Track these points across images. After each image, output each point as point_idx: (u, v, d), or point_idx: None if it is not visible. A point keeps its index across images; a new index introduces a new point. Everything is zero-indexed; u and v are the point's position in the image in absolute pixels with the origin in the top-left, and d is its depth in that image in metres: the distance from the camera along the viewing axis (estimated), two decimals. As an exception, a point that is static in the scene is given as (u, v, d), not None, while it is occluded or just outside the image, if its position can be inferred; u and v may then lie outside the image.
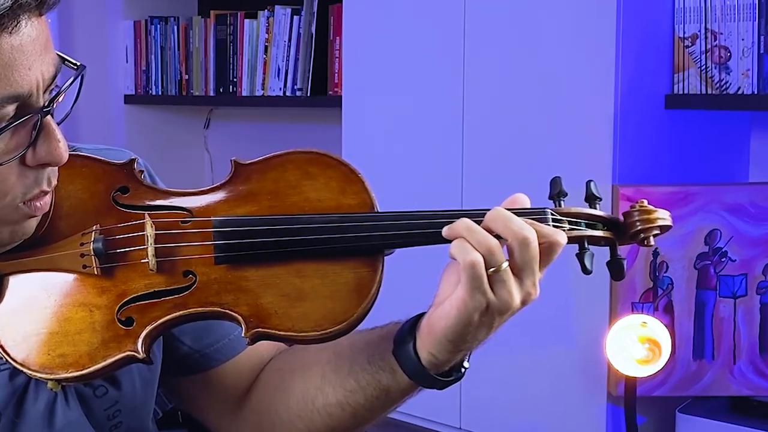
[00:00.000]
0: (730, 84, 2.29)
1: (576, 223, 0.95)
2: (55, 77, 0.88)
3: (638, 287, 2.20)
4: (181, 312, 0.93)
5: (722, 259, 2.19)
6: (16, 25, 0.82)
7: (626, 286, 2.20)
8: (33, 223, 0.94)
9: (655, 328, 2.11)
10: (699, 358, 2.22)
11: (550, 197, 0.97)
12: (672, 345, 2.12)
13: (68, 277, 0.94)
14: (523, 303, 0.91)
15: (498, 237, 0.89)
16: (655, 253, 2.19)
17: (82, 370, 0.91)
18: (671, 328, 2.18)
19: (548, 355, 2.36)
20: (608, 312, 2.24)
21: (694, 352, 2.22)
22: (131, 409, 1.07)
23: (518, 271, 0.89)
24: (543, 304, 2.43)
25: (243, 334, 0.91)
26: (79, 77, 0.91)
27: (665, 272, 2.20)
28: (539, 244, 0.90)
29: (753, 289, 2.19)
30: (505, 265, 0.88)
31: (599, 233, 0.97)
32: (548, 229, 0.91)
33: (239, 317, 0.92)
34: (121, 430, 1.07)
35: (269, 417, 1.08)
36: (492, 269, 0.88)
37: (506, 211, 0.90)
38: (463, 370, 0.97)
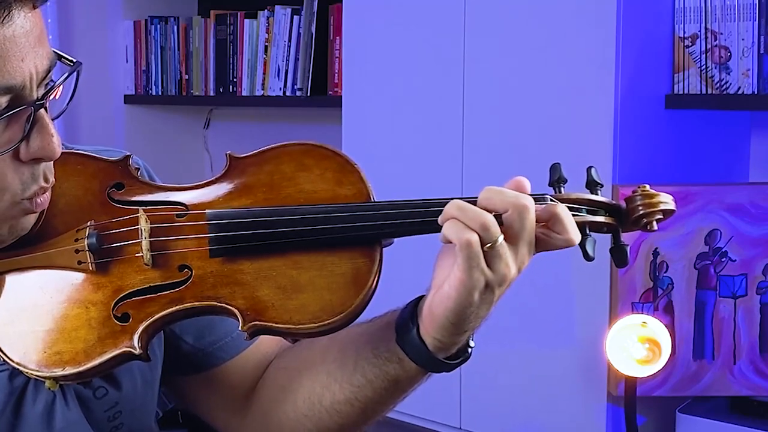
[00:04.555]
0: (730, 84, 2.28)
1: (577, 209, 0.94)
2: (49, 71, 0.88)
3: (638, 287, 2.20)
4: (177, 307, 0.92)
5: (722, 259, 2.19)
6: (8, 16, 0.82)
7: (626, 286, 2.19)
8: (32, 218, 0.94)
9: (655, 328, 2.11)
10: (699, 358, 2.21)
11: (550, 184, 0.96)
12: (672, 345, 2.11)
13: (64, 274, 0.94)
14: (518, 272, 0.90)
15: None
16: (655, 253, 2.19)
17: (78, 367, 0.91)
18: (671, 328, 2.17)
19: (548, 355, 2.35)
20: (608, 312, 2.23)
21: (694, 352, 2.21)
22: (132, 410, 1.07)
23: (515, 241, 0.89)
24: (543, 304, 2.44)
25: (240, 328, 0.91)
26: (75, 73, 0.92)
27: (665, 272, 2.20)
28: (539, 220, 0.90)
29: (753, 289, 2.19)
30: (501, 238, 0.87)
31: (601, 218, 0.95)
32: (546, 204, 0.91)
33: (236, 311, 0.91)
34: (123, 431, 1.06)
35: (276, 416, 1.08)
36: (488, 245, 0.87)
37: (497, 187, 0.90)
38: (469, 350, 0.97)
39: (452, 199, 0.90)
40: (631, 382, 2.16)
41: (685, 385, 2.22)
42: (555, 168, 0.96)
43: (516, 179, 0.93)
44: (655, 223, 0.96)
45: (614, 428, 2.29)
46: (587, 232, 0.94)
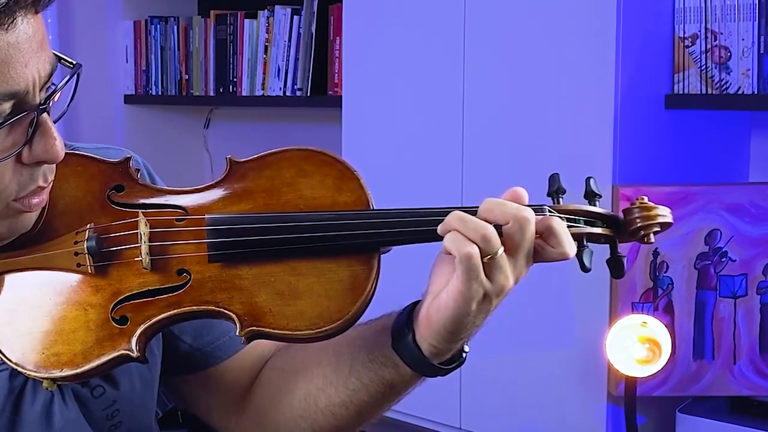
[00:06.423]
0: (730, 84, 2.28)
1: (574, 221, 0.94)
2: (51, 75, 0.89)
3: (638, 287, 2.20)
4: (175, 311, 0.92)
5: (722, 259, 2.19)
6: (12, 22, 0.82)
7: (626, 286, 2.19)
8: (32, 216, 0.94)
9: (655, 328, 2.11)
10: (699, 358, 2.22)
11: (549, 194, 0.96)
12: (672, 345, 2.11)
13: (63, 276, 0.94)
14: (516, 282, 0.91)
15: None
16: (656, 253, 2.19)
17: (76, 369, 0.91)
18: (671, 328, 2.18)
19: (548, 355, 2.35)
20: (608, 312, 2.23)
21: (694, 352, 2.22)
22: (131, 410, 1.07)
23: (515, 253, 0.89)
24: (543, 304, 2.44)
25: (237, 333, 0.91)
26: (75, 76, 0.92)
27: (665, 272, 2.20)
28: (537, 231, 0.90)
29: (753, 289, 2.19)
30: (501, 250, 0.88)
31: (598, 230, 0.96)
32: (542, 217, 0.91)
33: (234, 316, 0.91)
34: (121, 430, 1.07)
35: (272, 416, 1.08)
36: (488, 257, 0.87)
37: (497, 199, 0.90)
38: (464, 355, 0.97)
39: (452, 209, 0.91)
40: (631, 382, 2.16)
41: (685, 385, 2.22)
42: (554, 178, 0.96)
43: (514, 190, 0.93)
44: (652, 235, 0.96)
45: (614, 428, 2.29)
46: (584, 243, 0.94)
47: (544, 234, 0.90)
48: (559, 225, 0.90)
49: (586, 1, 2.25)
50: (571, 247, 0.91)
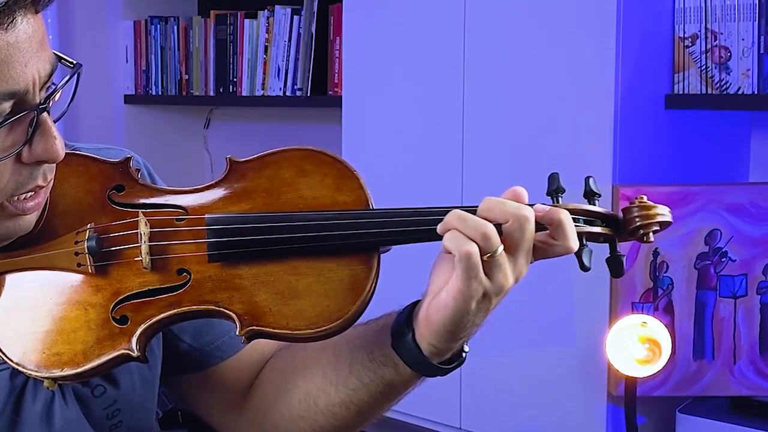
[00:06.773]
0: (730, 84, 2.28)
1: (574, 220, 0.94)
2: (51, 75, 0.89)
3: (638, 287, 2.20)
4: (175, 310, 0.93)
5: (722, 259, 2.19)
6: (11, 22, 0.82)
7: (626, 286, 2.19)
8: (31, 219, 0.95)
9: (655, 328, 2.11)
10: (699, 358, 2.22)
11: (548, 193, 0.96)
12: (672, 345, 2.11)
13: (63, 276, 0.95)
14: (515, 281, 0.91)
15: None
16: (656, 253, 2.19)
17: (77, 369, 0.91)
18: (671, 328, 2.18)
19: (548, 355, 2.35)
20: (608, 312, 2.23)
21: (694, 352, 2.22)
22: (131, 409, 1.07)
23: (515, 252, 0.89)
24: (543, 304, 2.44)
25: (237, 333, 0.91)
26: (76, 75, 0.92)
27: (665, 272, 2.20)
28: (545, 224, 0.90)
29: (753, 289, 2.19)
30: (501, 248, 0.88)
31: (598, 229, 0.96)
32: (547, 208, 0.91)
33: (234, 315, 0.92)
34: (122, 429, 1.07)
35: (272, 416, 1.08)
36: (488, 255, 0.87)
37: (496, 198, 0.90)
38: (463, 355, 0.97)
39: (451, 208, 0.91)
40: (631, 382, 2.16)
41: (685, 385, 2.22)
42: (553, 178, 0.96)
43: (514, 189, 0.93)
44: (651, 234, 0.96)
45: (614, 428, 2.29)
46: (584, 242, 0.94)
47: (552, 227, 0.91)
48: (567, 218, 0.91)
49: (586, 1, 2.25)
50: (575, 241, 0.91)
